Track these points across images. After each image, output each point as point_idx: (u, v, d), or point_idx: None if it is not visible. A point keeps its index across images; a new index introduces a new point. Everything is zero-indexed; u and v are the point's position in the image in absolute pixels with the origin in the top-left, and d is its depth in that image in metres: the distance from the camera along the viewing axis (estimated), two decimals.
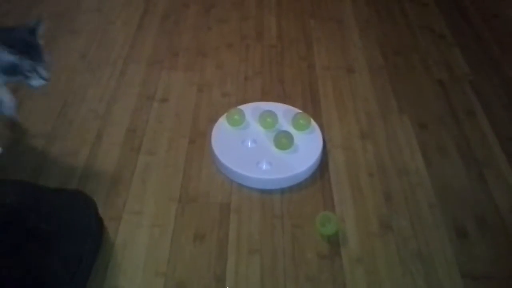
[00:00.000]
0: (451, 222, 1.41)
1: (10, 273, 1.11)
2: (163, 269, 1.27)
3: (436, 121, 1.75)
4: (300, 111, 1.70)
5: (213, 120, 1.68)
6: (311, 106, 1.79)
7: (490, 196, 1.50)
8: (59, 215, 1.27)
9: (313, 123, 1.67)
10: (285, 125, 1.65)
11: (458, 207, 1.46)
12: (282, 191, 1.49)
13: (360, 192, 1.49)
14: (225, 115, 1.67)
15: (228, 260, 1.30)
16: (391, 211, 1.44)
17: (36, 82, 1.40)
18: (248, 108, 1.69)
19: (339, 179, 1.53)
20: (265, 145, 1.59)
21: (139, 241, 1.34)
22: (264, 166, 1.52)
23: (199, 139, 1.65)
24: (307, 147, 1.59)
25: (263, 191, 1.48)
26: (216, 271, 1.28)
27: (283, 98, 1.82)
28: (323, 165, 1.57)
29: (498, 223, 1.42)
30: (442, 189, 1.51)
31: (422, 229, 1.39)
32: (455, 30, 2.20)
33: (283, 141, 1.57)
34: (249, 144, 1.59)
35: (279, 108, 1.70)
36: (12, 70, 1.35)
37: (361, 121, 1.74)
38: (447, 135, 1.70)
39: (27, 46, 1.37)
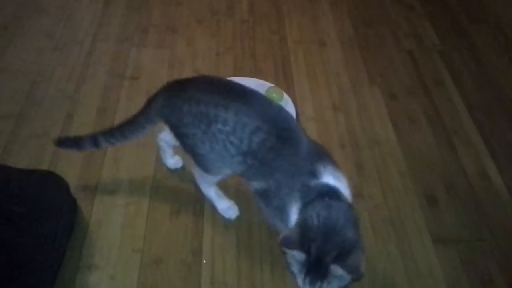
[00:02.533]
0: (421, 189, 1.45)
1: None
2: (139, 246, 1.28)
3: (406, 91, 1.78)
4: (272, 85, 1.70)
5: None
6: (284, 80, 1.79)
7: (459, 163, 1.54)
8: (31, 196, 1.25)
9: (285, 96, 1.67)
10: None
11: (428, 175, 1.50)
12: None
13: None
14: None
15: (204, 235, 1.32)
16: (362, 180, 1.47)
17: None
18: None
19: None
20: None
21: (114, 219, 1.34)
22: None
23: None
24: None
25: None
26: (193, 245, 1.29)
27: (255, 73, 1.81)
28: None
29: (467, 189, 1.47)
30: (412, 158, 1.54)
31: (393, 196, 1.43)
32: (424, 1, 2.22)
33: None
34: None
35: (252, 83, 1.68)
36: None
37: (333, 93, 1.75)
38: (416, 105, 1.73)
39: None
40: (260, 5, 2.15)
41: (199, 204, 1.38)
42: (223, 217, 1.35)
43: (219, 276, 1.24)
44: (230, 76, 1.76)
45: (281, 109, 1.15)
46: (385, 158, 1.54)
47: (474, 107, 1.73)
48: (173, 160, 1.45)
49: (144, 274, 1.22)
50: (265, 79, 1.75)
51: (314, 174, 1.06)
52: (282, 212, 1.09)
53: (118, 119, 1.61)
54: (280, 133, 1.08)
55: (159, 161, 1.48)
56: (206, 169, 1.21)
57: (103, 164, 1.47)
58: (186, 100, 1.14)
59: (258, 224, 1.34)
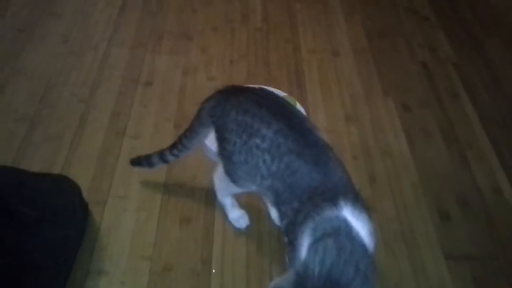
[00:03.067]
0: (434, 204, 1.44)
1: None
2: (149, 253, 1.28)
3: (420, 103, 1.77)
4: (285, 94, 1.70)
5: (198, 104, 1.66)
6: (297, 89, 1.79)
7: (472, 178, 1.52)
8: (43, 200, 1.26)
9: (298, 106, 1.67)
10: None
11: (441, 189, 1.48)
12: None
13: None
14: None
15: (214, 243, 1.31)
16: (374, 192, 1.46)
17: None
18: None
19: None
20: None
21: (125, 225, 1.34)
22: None
23: (185, 123, 1.63)
24: None
25: None
26: (203, 254, 1.29)
27: (268, 81, 1.81)
28: None
29: (480, 204, 1.45)
30: (425, 171, 1.53)
31: (405, 210, 1.41)
32: (439, 12, 2.21)
33: None
34: None
35: None
36: None
37: (346, 104, 1.75)
38: (430, 117, 1.71)
39: None
40: (274, 14, 2.16)
41: (210, 213, 1.38)
42: (233, 226, 1.35)
43: (229, 285, 1.23)
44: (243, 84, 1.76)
45: (319, 138, 1.10)
46: (398, 170, 1.53)
47: (488, 120, 1.71)
48: (238, 213, 1.36)
49: (153, 281, 1.22)
50: (278, 87, 1.74)
51: (335, 206, 0.95)
52: (294, 248, 0.97)
53: (132, 124, 1.62)
54: (310, 158, 1.04)
55: (171, 169, 1.48)
56: (234, 179, 1.19)
57: (115, 169, 1.48)
58: (235, 106, 1.13)
59: (268, 234, 1.34)
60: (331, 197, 0.97)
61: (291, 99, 1.66)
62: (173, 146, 1.33)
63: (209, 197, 1.41)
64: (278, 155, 1.06)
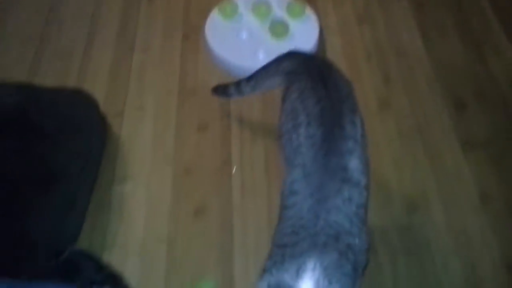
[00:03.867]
0: (450, 98, 1.43)
1: (21, 169, 1.14)
2: (170, 158, 1.31)
3: (434, 0, 1.71)
4: None
5: (205, 13, 1.63)
6: None
7: (488, 71, 1.51)
8: (62, 112, 1.27)
9: (308, 10, 1.63)
10: (280, 13, 1.61)
11: (457, 84, 1.47)
12: None
13: (358, 75, 1.49)
14: (216, 8, 1.62)
15: (232, 146, 1.34)
16: (389, 91, 1.45)
17: None
18: None
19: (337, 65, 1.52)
20: (261, 35, 1.56)
21: (144, 134, 1.36)
22: (261, 56, 1.50)
23: (193, 34, 1.61)
24: (303, 34, 1.56)
25: None
26: (222, 156, 1.32)
27: None
28: (320, 52, 1.55)
29: (497, 95, 1.44)
30: (440, 68, 1.51)
31: (421, 106, 1.41)
32: None
33: (279, 29, 1.54)
34: (244, 35, 1.56)
35: None
36: None
37: (357, 4, 1.69)
38: (445, 13, 1.66)
39: None
40: None
41: (226, 119, 1.39)
42: (250, 130, 1.36)
43: (249, 184, 1.27)
44: None
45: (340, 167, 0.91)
46: (413, 69, 1.51)
47: (505, 14, 1.66)
48: None
49: (177, 183, 1.26)
50: None
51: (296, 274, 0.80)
52: None
53: (139, 37, 1.60)
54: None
55: (184, 78, 1.47)
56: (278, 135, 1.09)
57: (129, 82, 1.48)
58: (296, 90, 1.02)
59: None
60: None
61: (300, 4, 1.62)
62: (250, 78, 1.21)
63: (224, 105, 1.41)
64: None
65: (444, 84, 1.46)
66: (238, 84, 1.25)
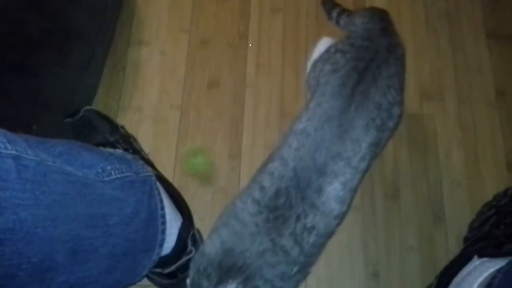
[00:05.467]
0: None
1: (37, 24, 1.13)
2: (187, 26, 1.28)
3: None
4: None
5: None
6: None
7: None
8: None
9: None
10: None
11: None
12: None
13: None
14: None
15: (251, 18, 1.30)
16: None
17: None
18: None
19: None
20: None
21: None
22: None
23: None
24: None
25: None
26: (240, 28, 1.28)
27: None
28: None
29: None
30: None
31: None
32: None
33: None
34: None
35: None
36: None
37: None
38: None
39: None
40: None
41: None
42: (271, 2, 1.31)
43: (264, 59, 1.26)
44: None
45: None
46: None
47: None
48: None
49: (192, 53, 1.25)
50: None
51: None
52: None
53: None
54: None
55: None
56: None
57: None
58: (341, 48, 0.90)
59: (306, 11, 1.30)
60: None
61: None
62: (345, 12, 1.08)
63: None
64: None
65: None
66: (340, 13, 1.08)
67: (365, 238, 1.09)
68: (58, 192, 0.61)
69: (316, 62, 0.93)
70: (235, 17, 1.30)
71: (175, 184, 1.10)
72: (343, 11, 1.08)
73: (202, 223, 1.07)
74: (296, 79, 1.23)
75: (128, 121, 1.17)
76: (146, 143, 1.14)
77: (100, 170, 0.74)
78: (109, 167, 0.76)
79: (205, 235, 1.01)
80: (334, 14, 1.10)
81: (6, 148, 0.56)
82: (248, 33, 1.28)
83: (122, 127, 1.09)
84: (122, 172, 0.78)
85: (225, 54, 1.26)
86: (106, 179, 0.74)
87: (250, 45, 1.26)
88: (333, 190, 0.78)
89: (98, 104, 1.18)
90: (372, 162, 0.85)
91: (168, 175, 1.10)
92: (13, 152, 0.57)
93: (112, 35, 1.24)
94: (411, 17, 1.29)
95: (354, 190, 0.82)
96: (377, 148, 0.83)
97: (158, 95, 1.21)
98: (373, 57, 0.84)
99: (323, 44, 0.97)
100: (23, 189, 0.56)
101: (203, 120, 1.19)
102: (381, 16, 0.94)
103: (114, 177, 0.76)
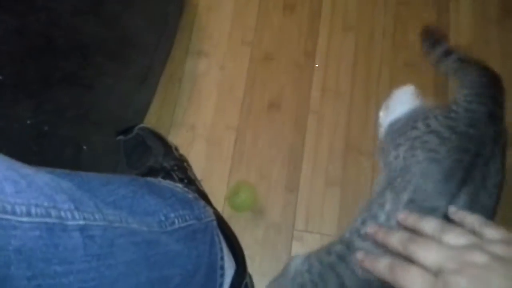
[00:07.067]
0: None
1: (93, 30, 1.06)
2: (250, 38, 1.19)
3: None
4: None
5: None
6: None
7: None
8: None
9: None
10: None
11: None
12: None
13: None
14: None
15: (320, 35, 1.19)
16: None
17: None
18: None
19: None
20: None
21: (224, 6, 1.23)
22: None
23: None
24: None
25: None
26: (306, 45, 1.18)
27: None
28: None
29: None
30: None
31: None
32: None
33: None
34: None
35: None
36: None
37: None
38: None
39: None
40: None
41: (317, 0, 1.22)
42: (343, 18, 1.20)
43: (331, 83, 1.15)
44: None
45: None
46: None
47: None
48: None
49: (253, 68, 1.16)
50: None
51: None
52: None
53: None
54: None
55: None
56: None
57: None
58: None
59: (383, 31, 1.18)
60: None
61: None
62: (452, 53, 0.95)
63: None
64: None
65: None
66: (447, 53, 0.95)
67: None
68: (123, 262, 0.54)
69: (398, 124, 0.82)
70: (303, 32, 1.20)
71: (225, 215, 1.02)
72: (451, 50, 0.94)
73: (252, 262, 0.98)
74: (366, 108, 1.12)
75: (180, 139, 1.09)
76: (197, 166, 1.06)
77: (163, 218, 0.67)
78: (172, 215, 0.69)
79: (255, 278, 0.93)
80: (439, 51, 0.96)
81: (74, 218, 0.48)
82: (316, 52, 1.17)
83: (176, 149, 1.02)
84: (186, 220, 0.71)
85: (289, 73, 1.16)
86: (169, 229, 0.66)
87: (317, 65, 1.16)
88: None
89: (151, 117, 1.11)
90: None
91: (218, 204, 1.03)
92: (81, 222, 0.49)
93: (172, 44, 1.16)
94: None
95: None
96: None
97: (214, 113, 1.13)
98: (479, 150, 0.73)
99: (406, 93, 0.86)
100: (88, 269, 0.48)
101: (260, 145, 1.10)
102: (492, 94, 0.81)
103: (177, 226, 0.68)
